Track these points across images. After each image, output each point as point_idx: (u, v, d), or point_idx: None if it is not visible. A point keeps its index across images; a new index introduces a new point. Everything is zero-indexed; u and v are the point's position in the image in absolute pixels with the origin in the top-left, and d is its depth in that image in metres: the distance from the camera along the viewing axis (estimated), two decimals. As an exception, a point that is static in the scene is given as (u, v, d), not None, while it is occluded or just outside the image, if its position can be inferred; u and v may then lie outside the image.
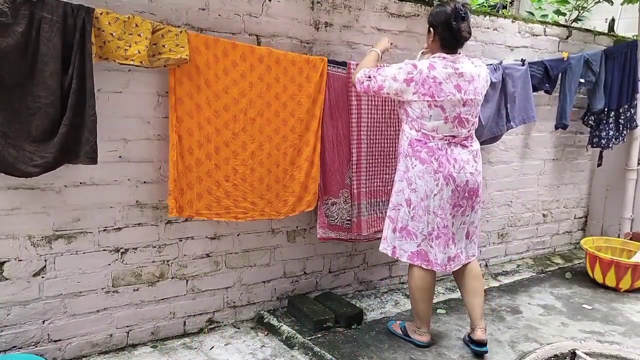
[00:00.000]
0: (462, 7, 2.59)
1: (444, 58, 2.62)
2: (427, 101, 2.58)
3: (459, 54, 2.67)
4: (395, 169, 2.87)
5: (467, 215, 2.77)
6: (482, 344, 2.79)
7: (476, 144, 2.78)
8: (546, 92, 4.09)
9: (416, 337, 2.89)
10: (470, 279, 2.89)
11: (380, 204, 3.27)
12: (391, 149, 3.24)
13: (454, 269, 2.83)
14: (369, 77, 2.72)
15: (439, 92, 2.56)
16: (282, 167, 2.90)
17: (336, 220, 3.13)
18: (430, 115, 2.60)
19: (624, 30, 5.42)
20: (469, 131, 2.71)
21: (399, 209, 2.76)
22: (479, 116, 3.43)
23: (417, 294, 2.81)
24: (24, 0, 2.07)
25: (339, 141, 3.06)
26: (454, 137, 2.66)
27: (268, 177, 2.86)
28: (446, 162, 2.63)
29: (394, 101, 3.11)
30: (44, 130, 2.19)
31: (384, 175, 3.25)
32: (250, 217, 2.85)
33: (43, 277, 2.47)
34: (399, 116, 2.80)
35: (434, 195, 2.64)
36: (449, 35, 2.60)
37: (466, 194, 2.70)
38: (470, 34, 2.62)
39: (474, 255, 2.91)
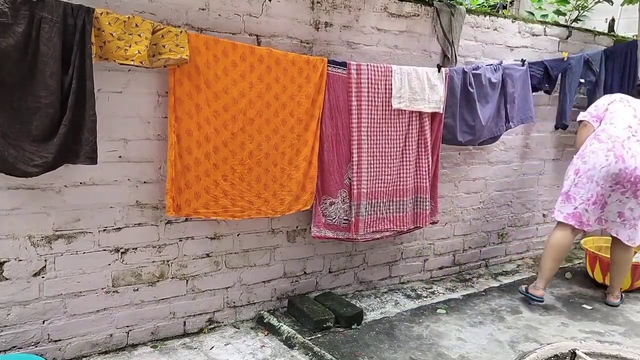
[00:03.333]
0: None
1: None
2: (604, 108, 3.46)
3: None
4: (397, 169, 3.17)
5: (627, 197, 3.27)
6: (609, 304, 3.57)
7: None
8: (546, 92, 4.10)
9: (532, 290, 3.46)
10: (617, 252, 3.51)
11: (381, 204, 3.26)
12: (393, 150, 3.23)
13: (603, 229, 3.45)
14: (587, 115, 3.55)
15: (610, 104, 3.46)
16: (280, 166, 2.90)
17: (334, 220, 3.12)
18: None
19: (624, 30, 5.42)
20: None
21: (566, 179, 3.49)
22: (480, 116, 3.50)
23: (550, 250, 3.43)
24: (24, 0, 2.07)
25: (338, 141, 3.06)
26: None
27: (265, 176, 2.86)
28: (620, 147, 3.23)
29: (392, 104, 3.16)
30: (44, 130, 2.19)
31: (385, 177, 3.24)
32: (247, 216, 2.85)
33: (43, 277, 2.47)
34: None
35: (602, 168, 3.24)
36: None
37: (631, 179, 3.20)
38: None
39: (628, 241, 3.39)
